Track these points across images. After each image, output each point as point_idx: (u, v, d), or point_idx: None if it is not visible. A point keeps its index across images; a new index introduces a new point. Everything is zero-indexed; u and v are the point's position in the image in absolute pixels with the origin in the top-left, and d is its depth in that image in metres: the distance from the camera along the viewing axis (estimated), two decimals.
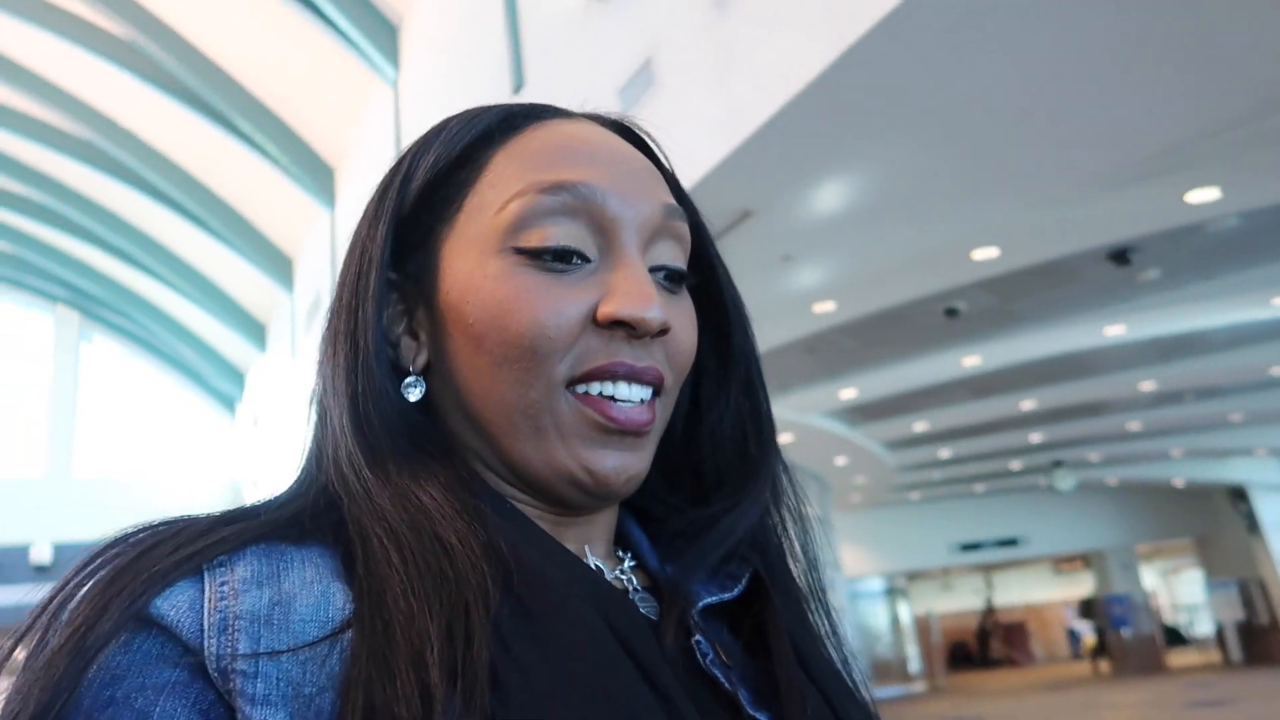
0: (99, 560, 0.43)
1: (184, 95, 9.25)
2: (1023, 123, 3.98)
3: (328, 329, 0.54)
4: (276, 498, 0.51)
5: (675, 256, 0.55)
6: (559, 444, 0.50)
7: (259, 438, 13.20)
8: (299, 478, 0.53)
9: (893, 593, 22.64)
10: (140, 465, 15.95)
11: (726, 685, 0.50)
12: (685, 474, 0.61)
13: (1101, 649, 19.54)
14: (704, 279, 0.60)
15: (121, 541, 0.44)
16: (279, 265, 11.50)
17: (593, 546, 0.55)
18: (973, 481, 17.13)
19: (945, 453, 13.43)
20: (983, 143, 4.15)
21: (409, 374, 0.54)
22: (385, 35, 8.09)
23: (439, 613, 0.42)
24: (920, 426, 11.30)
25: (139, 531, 0.44)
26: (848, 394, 9.21)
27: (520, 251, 0.50)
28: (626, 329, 0.50)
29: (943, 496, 18.45)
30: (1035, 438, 12.87)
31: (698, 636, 0.51)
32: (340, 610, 0.43)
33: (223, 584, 0.42)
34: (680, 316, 0.54)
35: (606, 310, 0.49)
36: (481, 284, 0.51)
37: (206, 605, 0.41)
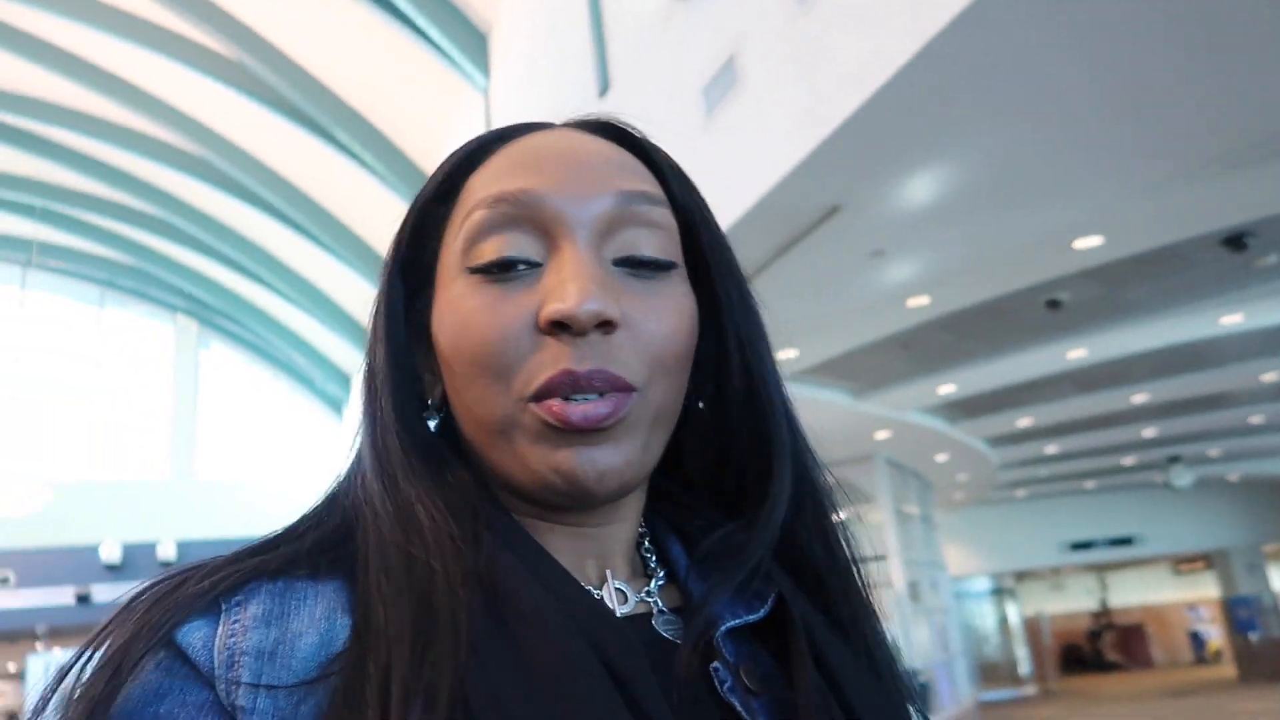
0: (133, 602, 0.46)
1: (288, 110, 9.63)
2: (1125, 104, 3.81)
3: (363, 368, 0.56)
4: (302, 520, 0.53)
5: (642, 243, 0.52)
6: (530, 451, 0.50)
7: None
8: (326, 496, 0.55)
9: (1000, 593, 21.93)
10: (256, 466, 16.68)
11: (744, 714, 0.49)
12: (720, 480, 0.60)
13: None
14: (697, 269, 0.57)
15: (152, 585, 0.47)
16: (378, 269, 11.84)
17: (614, 564, 0.55)
18: (1083, 478, 16.46)
19: (1052, 449, 12.95)
20: (1082, 126, 3.99)
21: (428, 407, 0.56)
22: (475, 44, 8.25)
23: (411, 640, 0.43)
24: (1024, 422, 10.92)
25: (167, 576, 0.48)
26: (946, 389, 8.97)
27: (472, 270, 0.51)
28: (568, 330, 0.48)
29: (1051, 494, 17.79)
30: (1149, 432, 12.29)
31: (715, 663, 0.50)
32: (338, 649, 0.45)
33: (235, 621, 0.45)
34: (651, 303, 0.51)
35: (543, 314, 0.49)
36: (447, 310, 0.52)
37: (217, 642, 0.44)
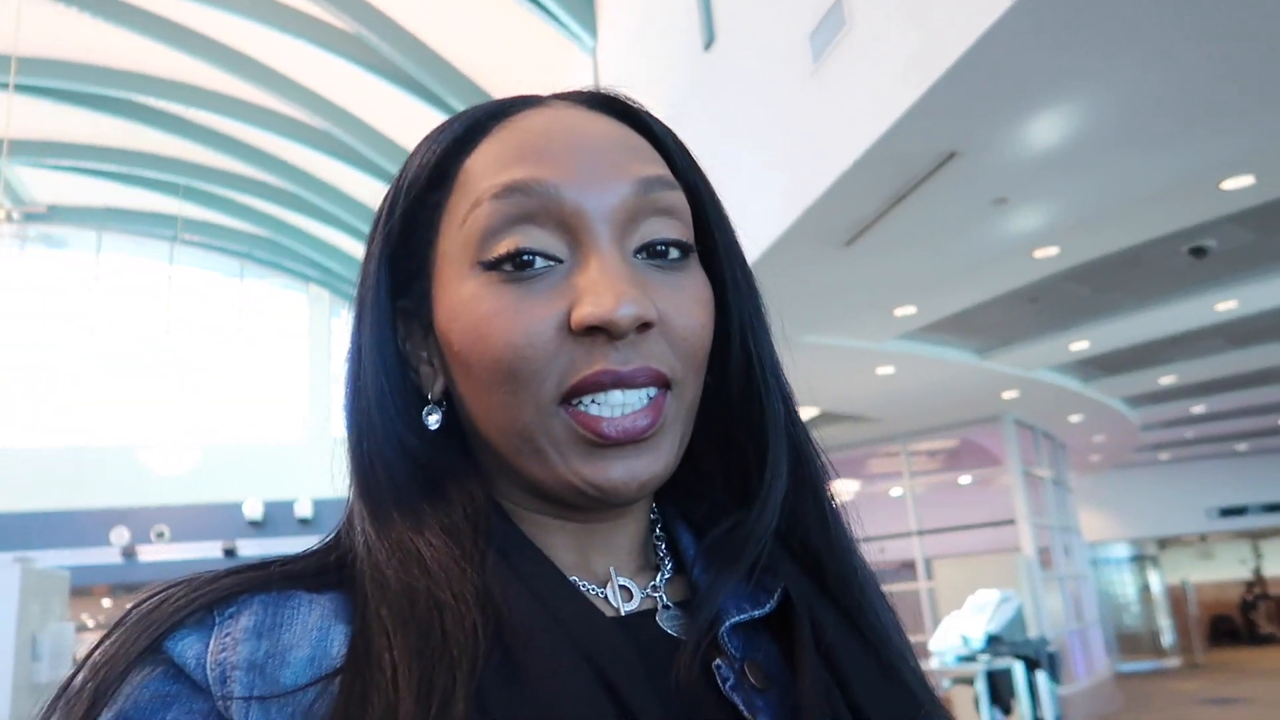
0: (129, 614, 0.46)
1: (404, 80, 9.84)
2: (1273, 32, 3.44)
3: (346, 368, 0.54)
4: (309, 550, 0.52)
5: (663, 230, 0.50)
6: (559, 461, 0.48)
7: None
8: (334, 529, 0.54)
9: (1141, 560, 20.91)
10: None
11: (745, 712, 0.47)
12: (729, 466, 0.57)
13: None
14: (705, 252, 0.55)
15: (147, 597, 0.47)
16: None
17: (619, 560, 0.54)
18: (1233, 440, 15.41)
19: (1199, 408, 12.14)
20: (1229, 54, 3.63)
21: (429, 401, 0.54)
22: (583, 3, 8.20)
23: (418, 671, 0.42)
24: (1167, 380, 10.25)
25: (163, 588, 0.47)
26: (1079, 346, 8.49)
27: (486, 266, 0.48)
28: (605, 333, 0.47)
29: (1198, 456, 16.74)
30: None
31: (717, 661, 0.49)
32: (334, 659, 0.44)
33: (226, 635, 0.44)
34: (679, 297, 0.50)
35: (576, 317, 0.47)
36: (460, 308, 0.49)
37: (209, 657, 0.44)
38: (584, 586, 0.52)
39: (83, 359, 15.51)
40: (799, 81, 4.77)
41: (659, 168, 0.52)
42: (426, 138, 0.54)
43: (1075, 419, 11.55)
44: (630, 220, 0.50)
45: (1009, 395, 9.89)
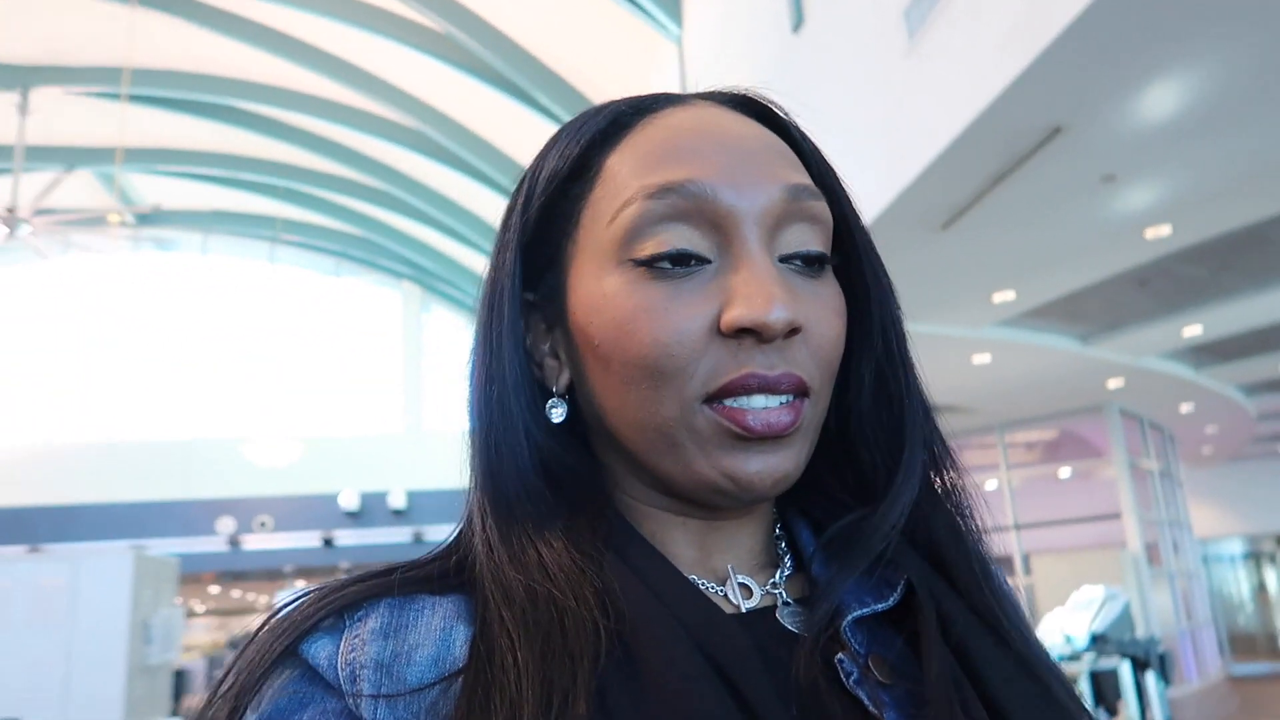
0: (266, 622, 0.49)
1: (493, 78, 9.96)
2: None
3: (471, 359, 0.54)
4: (430, 554, 0.54)
5: (809, 239, 0.51)
6: (699, 455, 0.49)
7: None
8: (453, 532, 0.55)
9: (1257, 557, 19.87)
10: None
11: (871, 707, 0.47)
12: (845, 465, 0.57)
13: None
14: (845, 256, 0.55)
15: (282, 606, 0.50)
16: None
17: (739, 558, 0.54)
18: None
19: None
20: None
21: (553, 394, 0.54)
22: None
23: (540, 672, 0.43)
24: None
25: (296, 596, 0.50)
26: (1191, 331, 8.08)
27: (636, 263, 0.49)
28: (753, 335, 0.47)
29: None
30: None
31: (840, 655, 0.49)
32: (456, 659, 0.46)
33: (355, 636, 0.47)
34: (819, 307, 0.50)
35: (729, 318, 0.47)
36: (602, 303, 0.49)
37: (340, 659, 0.46)
38: (703, 584, 0.52)
39: (191, 357, 16.19)
40: (893, 60, 4.63)
41: (804, 175, 0.52)
42: (566, 129, 0.55)
43: (1186, 408, 11.01)
44: (777, 225, 0.50)
45: (1114, 384, 9.48)
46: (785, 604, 0.53)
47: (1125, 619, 7.09)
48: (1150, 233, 5.59)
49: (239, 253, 16.94)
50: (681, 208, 0.48)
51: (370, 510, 12.72)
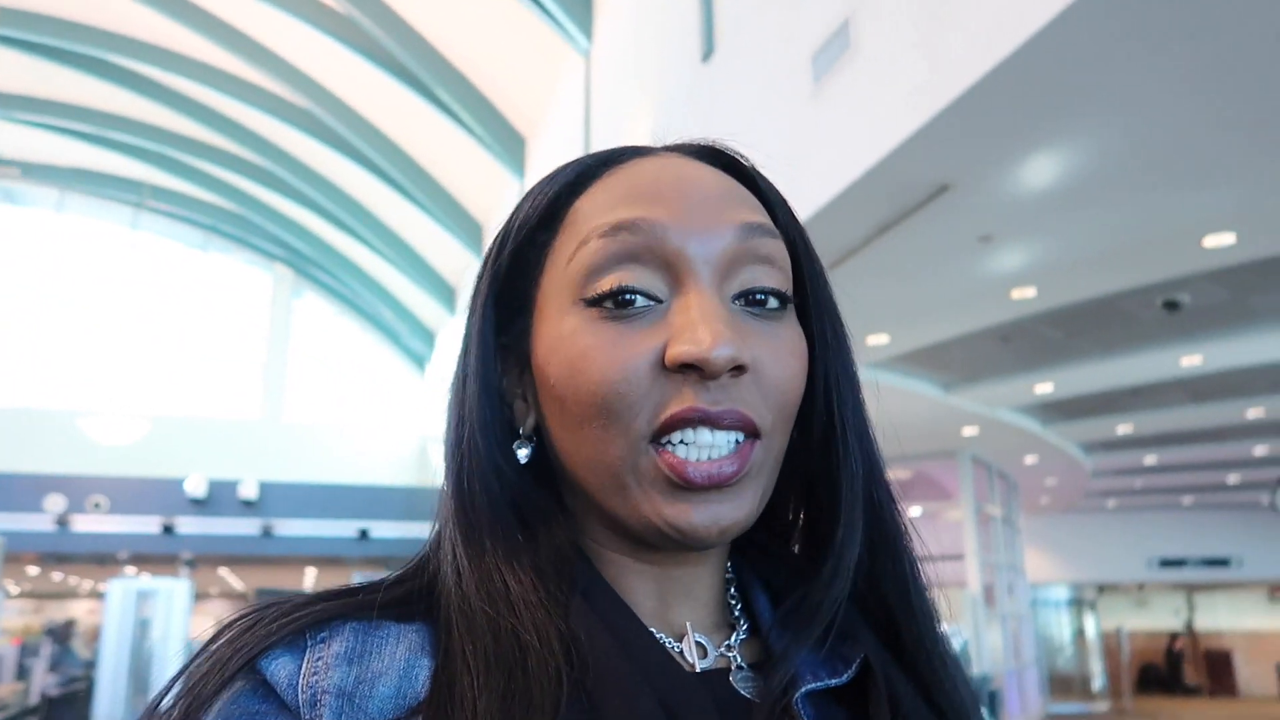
0: (221, 633, 0.48)
1: (393, 67, 9.70)
2: (1271, 86, 3.48)
3: (449, 397, 0.55)
4: (389, 577, 0.53)
5: (763, 279, 0.51)
6: (642, 499, 0.49)
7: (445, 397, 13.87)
8: (418, 556, 0.55)
9: (1080, 604, 21.23)
10: (339, 414, 17.10)
11: None
12: (797, 529, 0.58)
13: None
14: (801, 298, 0.56)
15: (238, 617, 0.49)
16: (470, 231, 11.94)
17: (696, 614, 0.54)
18: (1180, 493, 15.72)
19: (1151, 459, 12.36)
20: (1224, 112, 3.67)
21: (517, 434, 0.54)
22: (579, 4, 8.14)
23: (500, 713, 0.43)
24: (1125, 429, 10.42)
25: (253, 609, 0.49)
26: (1043, 389, 8.58)
27: (588, 303, 0.49)
28: (697, 371, 0.47)
29: (1143, 506, 17.05)
30: (1260, 451, 11.61)
31: None
32: (417, 692, 0.45)
33: (318, 659, 0.46)
34: (774, 347, 0.50)
35: (671, 354, 0.47)
36: (558, 343, 0.50)
37: (301, 680, 0.45)
38: (661, 639, 0.52)
39: (32, 318, 15.07)
40: (799, 102, 4.74)
41: (761, 216, 0.53)
42: (540, 183, 0.56)
43: (1030, 460, 11.68)
44: (731, 265, 0.50)
45: (969, 431, 9.96)
46: (739, 668, 0.52)
47: (963, 657, 7.41)
48: (1016, 293, 5.91)
49: (98, 214, 15.91)
50: (633, 246, 0.49)
51: (218, 499, 12.08)
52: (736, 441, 0.48)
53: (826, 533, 0.55)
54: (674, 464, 0.47)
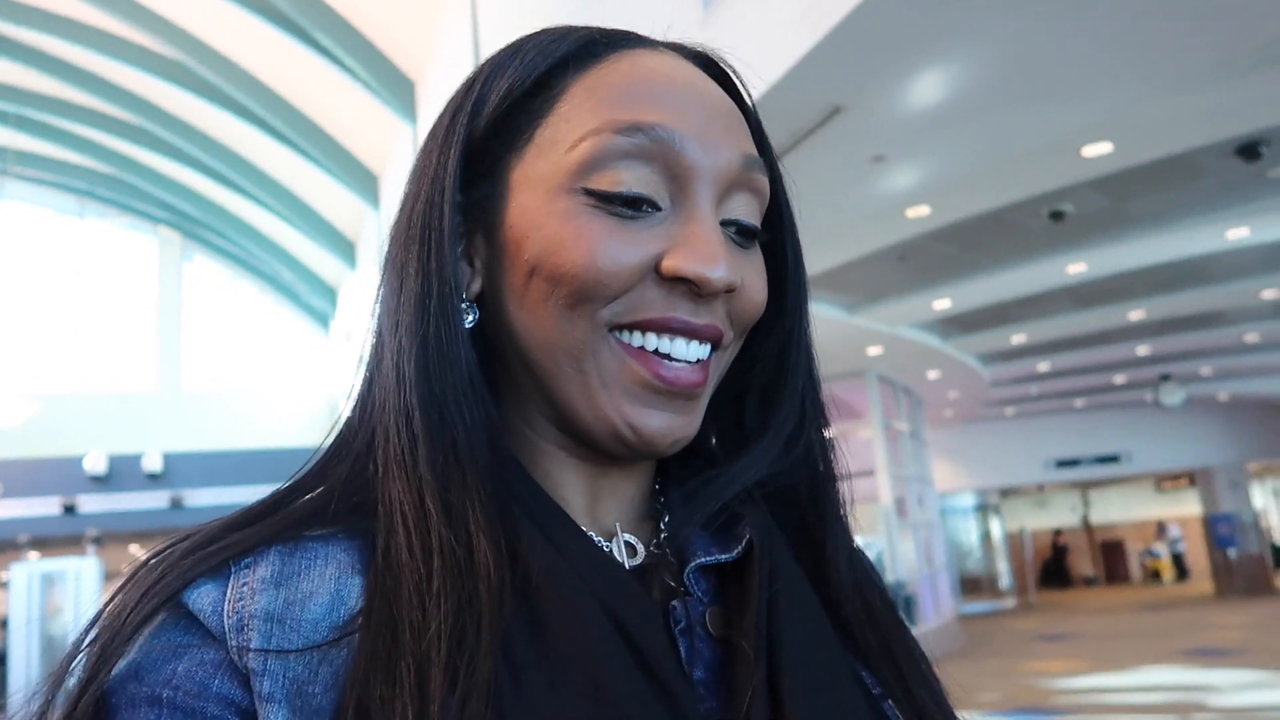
0: (142, 566, 0.46)
1: (268, 12, 9.24)
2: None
3: (391, 258, 0.53)
4: (312, 471, 0.51)
5: (750, 211, 0.53)
6: (603, 393, 0.49)
7: (351, 352, 13.57)
8: (336, 440, 0.52)
9: (985, 509, 22.31)
10: (243, 379, 16.60)
11: (685, 656, 0.47)
12: (731, 432, 0.59)
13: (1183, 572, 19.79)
14: (772, 233, 0.57)
15: (160, 550, 0.47)
16: (365, 182, 11.60)
17: (624, 512, 0.54)
18: (1072, 396, 16.53)
19: (1044, 366, 12.95)
20: (1104, 18, 3.79)
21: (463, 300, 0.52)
22: None
23: (451, 614, 0.42)
24: (1018, 339, 10.87)
25: (175, 541, 0.47)
26: (941, 304, 8.87)
27: (590, 193, 0.48)
28: (689, 285, 0.48)
29: (1040, 412, 17.89)
30: (1142, 350, 12.27)
31: (674, 601, 0.49)
32: (352, 610, 0.44)
33: (244, 585, 0.44)
34: (749, 273, 0.52)
35: (671, 264, 0.48)
36: (545, 220, 0.49)
37: (226, 606, 0.44)
38: (594, 539, 0.52)
39: None
40: (688, 29, 4.69)
41: (753, 147, 0.54)
42: (530, 43, 0.53)
43: (933, 375, 12.11)
44: (728, 190, 0.51)
45: (874, 351, 10.25)
46: (670, 563, 0.53)
47: (879, 566, 7.74)
48: (911, 212, 6.06)
49: None
50: (647, 150, 0.49)
51: (120, 474, 11.66)
52: (699, 359, 0.50)
53: (752, 435, 0.57)
54: (649, 362, 0.48)
